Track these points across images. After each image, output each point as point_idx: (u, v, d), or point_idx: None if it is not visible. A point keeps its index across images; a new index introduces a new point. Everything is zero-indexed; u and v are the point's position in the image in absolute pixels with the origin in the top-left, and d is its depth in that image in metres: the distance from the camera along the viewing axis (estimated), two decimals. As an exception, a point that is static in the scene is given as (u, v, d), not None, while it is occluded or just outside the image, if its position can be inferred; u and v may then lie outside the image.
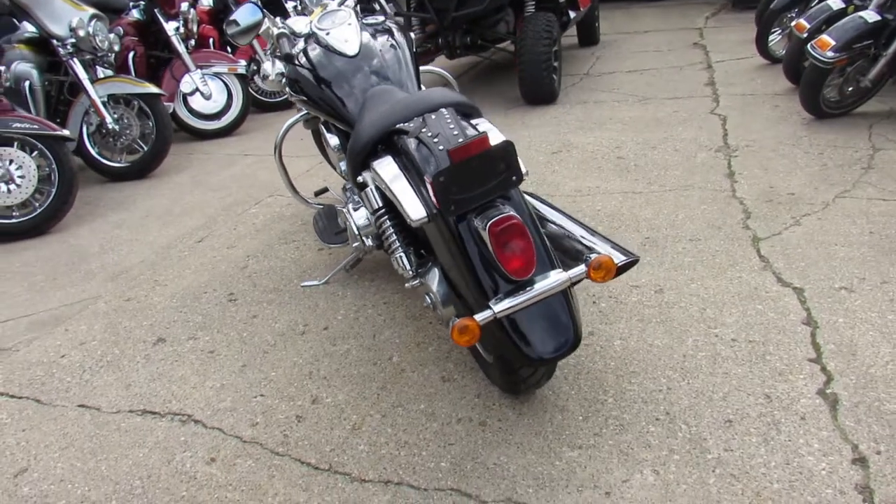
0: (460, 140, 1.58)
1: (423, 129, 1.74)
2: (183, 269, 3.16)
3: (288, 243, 3.29)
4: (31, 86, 4.35)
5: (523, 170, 1.72)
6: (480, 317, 1.53)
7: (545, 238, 1.68)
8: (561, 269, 1.59)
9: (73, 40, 4.29)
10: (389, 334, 2.43)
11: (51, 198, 3.77)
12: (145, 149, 4.60)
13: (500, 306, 1.54)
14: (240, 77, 5.46)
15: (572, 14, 5.89)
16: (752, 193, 3.20)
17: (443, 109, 1.87)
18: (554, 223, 2.02)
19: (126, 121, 4.52)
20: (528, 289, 1.56)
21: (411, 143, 1.80)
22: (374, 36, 2.50)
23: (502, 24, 5.59)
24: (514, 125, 4.82)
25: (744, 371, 2.02)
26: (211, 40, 5.75)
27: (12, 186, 3.70)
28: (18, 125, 3.66)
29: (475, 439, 1.89)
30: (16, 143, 3.71)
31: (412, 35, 2.72)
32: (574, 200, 3.37)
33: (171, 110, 5.20)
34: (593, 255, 1.57)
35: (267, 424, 2.04)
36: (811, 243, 2.68)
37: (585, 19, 6.90)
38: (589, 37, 7.27)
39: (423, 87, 2.72)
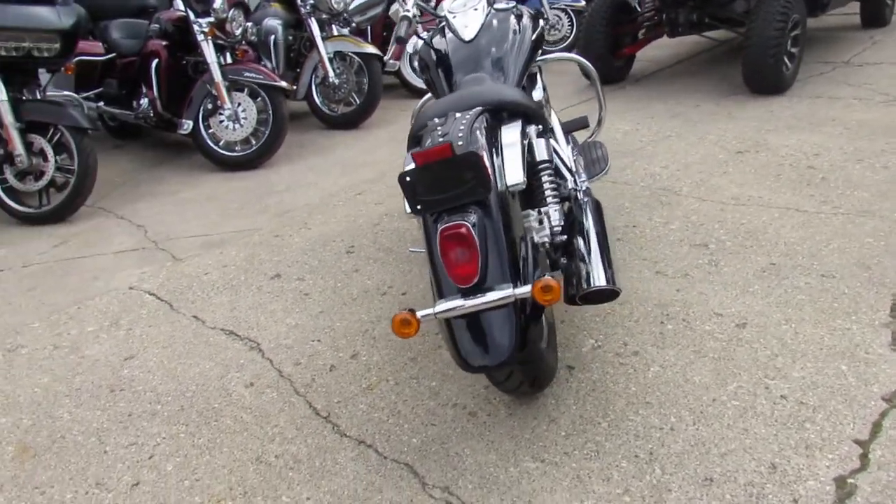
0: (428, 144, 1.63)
1: (439, 128, 1.81)
2: (331, 217, 3.56)
3: (424, 208, 3.51)
4: (275, 40, 5.09)
5: (517, 179, 1.73)
6: (422, 313, 1.61)
7: (516, 251, 1.66)
8: (510, 285, 1.58)
9: (312, 1, 4.91)
10: (451, 311, 2.55)
11: (264, 138, 4.45)
12: (358, 102, 5.13)
13: (441, 307, 1.60)
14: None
15: None
16: (943, 233, 2.65)
17: (475, 109, 1.90)
18: (586, 239, 1.95)
19: (345, 76, 5.06)
20: (475, 296, 1.59)
21: (427, 140, 1.87)
22: (496, 22, 2.55)
23: (740, 2, 5.07)
24: (718, 115, 4.42)
25: (767, 433, 1.80)
26: None
27: (237, 126, 4.43)
28: (248, 74, 4.35)
29: (456, 426, 1.96)
30: (246, 90, 4.42)
31: (542, 21, 2.70)
32: (722, 209, 3.08)
33: (396, 68, 5.68)
34: (546, 275, 1.54)
35: (306, 366, 2.32)
36: (972, 307, 2.19)
37: (871, -4, 5.93)
38: (875, 17, 6.24)
39: (538, 78, 2.70)
